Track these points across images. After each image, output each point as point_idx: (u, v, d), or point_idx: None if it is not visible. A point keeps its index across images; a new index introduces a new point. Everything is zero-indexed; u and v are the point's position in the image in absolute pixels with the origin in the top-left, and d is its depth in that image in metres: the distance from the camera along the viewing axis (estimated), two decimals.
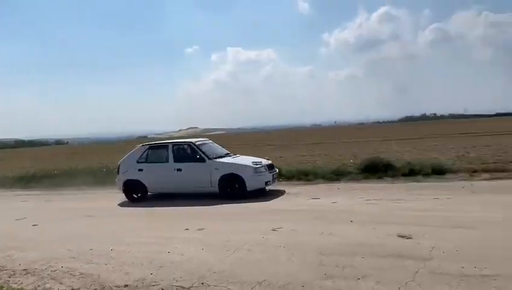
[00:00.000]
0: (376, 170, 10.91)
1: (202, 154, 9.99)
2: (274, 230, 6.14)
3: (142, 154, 10.60)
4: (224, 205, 8.81)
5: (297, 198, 8.99)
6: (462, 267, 4.07)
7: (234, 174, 9.55)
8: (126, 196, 10.54)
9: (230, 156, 10.50)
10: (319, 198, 8.64)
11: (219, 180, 9.60)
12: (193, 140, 10.66)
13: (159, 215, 8.34)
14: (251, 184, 9.49)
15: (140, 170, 10.42)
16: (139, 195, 10.41)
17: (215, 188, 9.68)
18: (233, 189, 9.55)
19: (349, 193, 9.04)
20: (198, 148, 10.16)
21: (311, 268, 4.42)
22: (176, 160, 10.15)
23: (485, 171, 10.41)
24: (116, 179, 10.79)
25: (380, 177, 10.51)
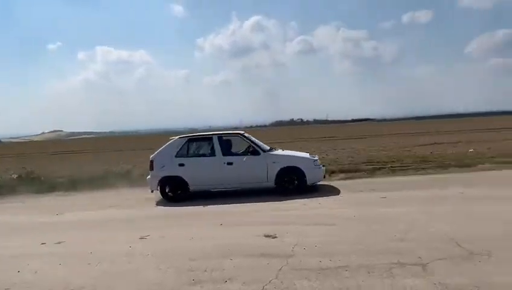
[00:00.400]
0: None
1: (256, 147, 9.24)
2: (142, 238, 5.90)
3: (181, 148, 9.31)
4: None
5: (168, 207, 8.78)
6: (320, 261, 4.40)
7: (293, 167, 8.99)
8: (162, 194, 9.22)
9: (275, 149, 9.72)
10: (189, 202, 8.57)
11: (277, 174, 8.94)
12: (240, 131, 9.90)
13: (11, 229, 7.36)
14: (311, 177, 9.04)
15: (181, 164, 9.16)
16: (179, 193, 9.10)
17: (272, 183, 8.99)
18: (291, 183, 8.96)
19: (219, 196, 9.16)
20: (250, 140, 9.38)
21: (179, 275, 4.34)
22: (225, 153, 9.16)
23: (342, 171, 11.52)
24: (148, 177, 9.37)
25: None
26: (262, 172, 8.95)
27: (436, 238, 4.96)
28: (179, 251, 5.17)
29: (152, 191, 9.37)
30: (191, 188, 9.14)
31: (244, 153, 9.24)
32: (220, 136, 9.38)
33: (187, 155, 9.25)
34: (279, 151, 9.55)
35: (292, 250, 4.86)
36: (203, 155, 9.26)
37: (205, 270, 4.39)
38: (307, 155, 9.70)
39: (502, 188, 8.11)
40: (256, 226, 6.15)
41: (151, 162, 9.30)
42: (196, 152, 9.35)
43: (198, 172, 9.05)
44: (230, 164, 9.03)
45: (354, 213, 6.60)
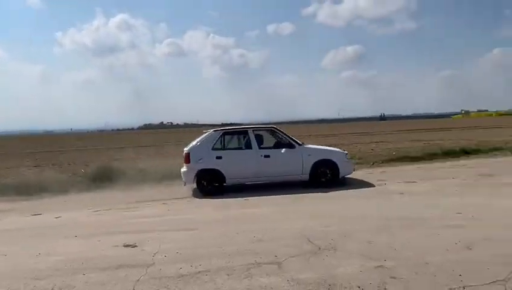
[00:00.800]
0: (107, 178, 10.63)
1: (291, 140, 9.44)
2: None
3: (216, 141, 9.36)
4: None
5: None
6: (181, 268, 4.30)
7: (328, 160, 9.30)
8: (199, 187, 9.12)
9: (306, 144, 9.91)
10: (40, 214, 7.70)
11: (312, 166, 9.17)
12: (273, 126, 10.38)
13: None
14: (343, 171, 9.37)
15: (218, 157, 9.12)
16: (216, 185, 9.05)
17: (306, 176, 9.24)
18: (325, 176, 9.19)
19: (77, 205, 8.43)
20: (285, 133, 9.63)
21: None
22: (260, 146, 9.32)
23: None
24: (184, 169, 9.15)
25: (110, 187, 10.26)
26: (298, 165, 9.18)
27: (290, 236, 5.27)
28: (21, 269, 4.57)
29: (185, 185, 9.30)
30: (228, 181, 9.17)
31: (276, 147, 9.47)
32: (254, 129, 9.61)
33: (223, 148, 9.38)
34: (313, 145, 10.11)
35: (152, 258, 4.68)
36: (240, 148, 9.51)
37: None
38: (338, 149, 10.14)
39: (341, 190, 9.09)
40: (116, 235, 5.79)
41: (187, 155, 9.17)
42: (232, 145, 9.63)
43: (235, 165, 9.14)
44: (267, 156, 9.22)
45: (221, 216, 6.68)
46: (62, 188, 10.14)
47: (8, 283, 4.17)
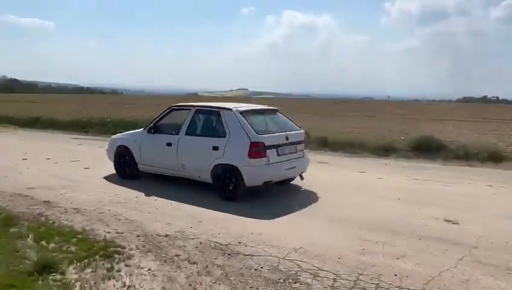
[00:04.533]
0: (428, 149, 10.44)
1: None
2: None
3: None
4: None
5: (342, 170, 8.82)
6: (510, 261, 3.87)
7: None
8: None
9: None
10: (364, 172, 8.43)
11: None
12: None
13: None
14: None
15: None
16: None
17: None
18: None
19: (397, 170, 8.75)
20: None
21: (349, 241, 4.37)
22: None
23: None
24: None
25: (431, 158, 10.06)
26: None
27: None
28: (352, 218, 5.21)
29: None
30: None
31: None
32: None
33: None
34: None
35: (476, 241, 4.38)
36: None
37: (376, 242, 4.33)
38: None
39: None
40: (435, 207, 5.73)
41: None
42: None
43: None
44: None
45: None
46: (381, 153, 10.73)
47: (340, 228, 4.85)
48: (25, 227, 4.61)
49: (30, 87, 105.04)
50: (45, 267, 3.54)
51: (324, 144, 11.57)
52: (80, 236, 4.40)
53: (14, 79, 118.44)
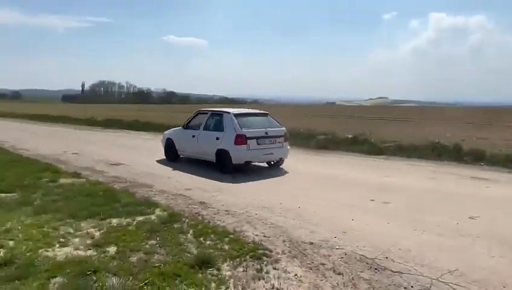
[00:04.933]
0: None
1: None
2: (471, 218, 5.54)
3: None
4: None
5: (500, 187, 7.81)
6: None
7: None
8: None
9: None
10: None
11: None
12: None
13: (337, 183, 8.29)
14: None
15: None
16: None
17: None
18: None
19: None
20: None
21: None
22: None
23: None
24: None
25: None
26: None
27: None
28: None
29: None
30: None
31: None
32: None
33: None
34: None
35: None
36: None
37: None
38: None
39: None
40: None
41: None
42: None
43: None
44: None
45: None
46: None
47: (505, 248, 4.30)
48: (185, 224, 5.17)
49: (184, 99, 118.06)
50: (204, 262, 3.91)
51: (479, 158, 10.41)
52: (231, 236, 4.74)
53: (172, 92, 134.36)
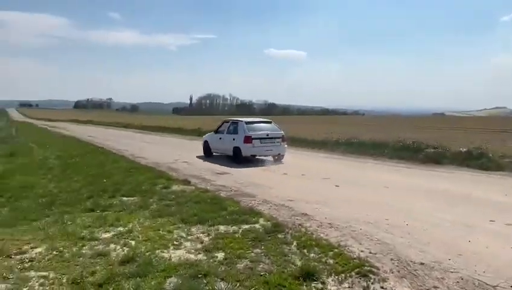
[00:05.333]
0: None
1: None
2: None
3: None
4: None
5: None
6: None
7: None
8: None
9: None
10: None
11: None
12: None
13: (449, 199, 7.66)
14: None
15: None
16: None
17: None
18: None
19: None
20: None
21: None
22: None
23: None
24: None
25: None
26: None
27: None
28: None
29: None
30: None
31: None
32: None
33: None
34: None
35: None
36: None
37: None
38: None
39: None
40: None
41: None
42: None
43: None
44: None
45: None
46: None
47: None
48: (289, 235, 5.21)
49: (284, 110, 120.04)
50: (308, 275, 3.90)
51: None
52: (336, 250, 4.66)
53: (273, 103, 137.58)
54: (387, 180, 9.44)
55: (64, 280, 3.86)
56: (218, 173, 10.63)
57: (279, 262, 4.30)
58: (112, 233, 5.34)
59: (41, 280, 3.88)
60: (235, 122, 13.36)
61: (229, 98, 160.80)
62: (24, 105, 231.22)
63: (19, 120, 68.13)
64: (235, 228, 5.52)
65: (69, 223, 5.83)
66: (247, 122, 13.00)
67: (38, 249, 4.72)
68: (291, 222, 5.88)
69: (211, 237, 5.16)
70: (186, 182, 9.03)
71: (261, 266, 4.20)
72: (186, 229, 5.46)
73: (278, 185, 8.88)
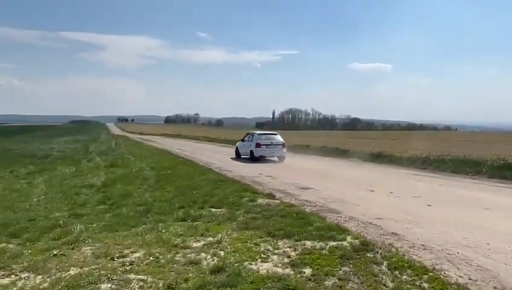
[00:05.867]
0: None
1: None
2: None
3: None
4: None
5: None
6: None
7: None
8: None
9: None
10: None
11: None
12: None
13: None
14: None
15: None
16: None
17: None
18: None
19: None
20: None
21: None
22: None
23: None
24: None
25: None
26: None
27: None
28: None
29: None
30: None
31: None
32: None
33: None
34: None
35: None
36: None
37: None
38: None
39: None
40: None
41: None
42: None
43: None
44: None
45: None
46: None
47: None
48: (379, 254, 5.02)
49: (369, 125, 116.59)
50: None
51: None
52: (430, 274, 4.40)
53: (356, 118, 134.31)
54: (487, 200, 8.73)
55: (160, 285, 4.10)
56: (302, 188, 10.60)
57: (369, 282, 4.16)
58: (203, 242, 5.57)
59: (141, 283, 4.16)
60: (252, 134, 20.31)
61: (311, 112, 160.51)
62: (121, 120, 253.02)
63: (116, 133, 74.22)
64: (321, 244, 5.45)
65: (164, 231, 6.18)
66: (259, 134, 20.23)
67: (137, 254, 5.08)
68: (381, 241, 5.66)
69: (297, 251, 5.15)
70: (271, 196, 9.13)
71: (350, 284, 4.10)
72: (272, 243, 5.50)
73: (364, 203, 8.61)
